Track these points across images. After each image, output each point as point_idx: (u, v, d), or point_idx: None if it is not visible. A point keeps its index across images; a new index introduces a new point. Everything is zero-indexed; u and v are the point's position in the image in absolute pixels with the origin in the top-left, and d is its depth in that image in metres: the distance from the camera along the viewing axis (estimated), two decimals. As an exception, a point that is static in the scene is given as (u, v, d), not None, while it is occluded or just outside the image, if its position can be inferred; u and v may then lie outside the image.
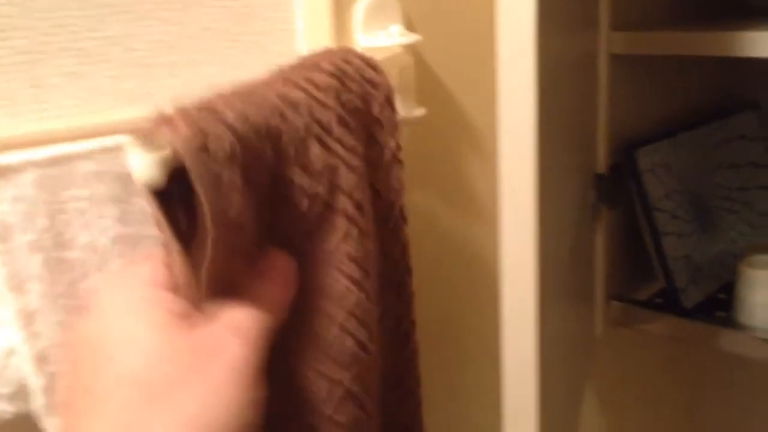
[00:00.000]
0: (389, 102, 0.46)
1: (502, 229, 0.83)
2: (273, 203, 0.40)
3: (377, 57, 0.50)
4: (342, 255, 0.42)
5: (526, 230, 0.81)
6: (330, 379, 0.42)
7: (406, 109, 0.64)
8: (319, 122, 0.41)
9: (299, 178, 0.40)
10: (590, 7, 0.88)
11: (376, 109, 0.45)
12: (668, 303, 0.95)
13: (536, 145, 0.78)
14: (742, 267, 0.91)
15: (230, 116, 0.37)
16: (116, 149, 0.46)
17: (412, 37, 0.66)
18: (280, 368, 0.41)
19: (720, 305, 0.96)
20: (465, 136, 0.79)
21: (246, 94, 0.39)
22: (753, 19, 0.93)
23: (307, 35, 0.61)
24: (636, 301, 0.99)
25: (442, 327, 0.82)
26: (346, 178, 0.41)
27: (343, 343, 0.42)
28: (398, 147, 0.46)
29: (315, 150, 0.40)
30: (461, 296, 0.83)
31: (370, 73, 0.46)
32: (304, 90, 0.41)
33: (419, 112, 0.68)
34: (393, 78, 0.58)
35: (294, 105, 0.40)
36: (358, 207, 0.42)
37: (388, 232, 0.46)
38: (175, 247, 0.36)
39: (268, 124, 0.39)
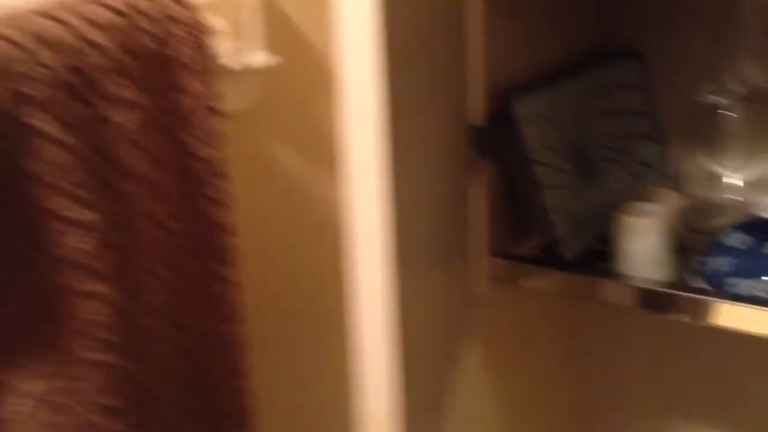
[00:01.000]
0: (200, 44, 0.40)
1: (351, 183, 0.77)
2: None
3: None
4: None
5: (377, 184, 0.75)
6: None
7: (249, 56, 0.58)
8: (79, 70, 0.34)
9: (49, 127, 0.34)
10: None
11: (180, 52, 0.39)
12: (550, 257, 0.92)
13: (387, 92, 0.72)
14: (620, 216, 0.89)
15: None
16: None
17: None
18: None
19: (602, 256, 0.94)
20: (322, 84, 0.73)
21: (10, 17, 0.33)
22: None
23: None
24: (517, 256, 0.96)
25: (286, 293, 0.76)
26: (113, 134, 0.35)
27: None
28: (211, 95, 0.40)
29: (73, 103, 0.34)
30: (312, 259, 0.77)
31: (175, 10, 0.39)
32: (73, 28, 0.35)
33: (267, 59, 0.61)
34: (229, 18, 0.51)
35: (53, 44, 0.34)
36: (126, 171, 0.36)
37: (195, 185, 0.40)
38: None
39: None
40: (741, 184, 1.02)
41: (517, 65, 0.94)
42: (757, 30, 1.01)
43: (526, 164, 0.89)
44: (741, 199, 1.01)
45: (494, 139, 0.91)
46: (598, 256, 0.94)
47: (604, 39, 1.09)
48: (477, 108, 0.89)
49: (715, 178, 1.04)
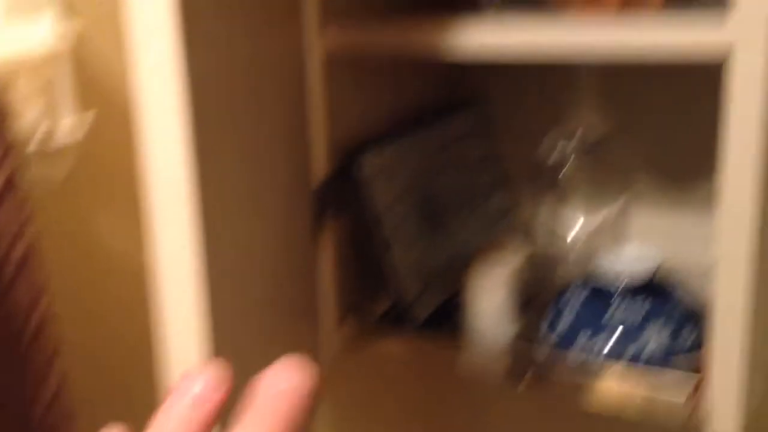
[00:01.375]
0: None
1: (160, 252, 0.70)
2: None
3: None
4: None
5: (188, 254, 0.69)
6: None
7: (57, 127, 0.52)
8: None
9: None
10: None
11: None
12: (400, 317, 0.90)
13: (191, 154, 0.66)
14: (469, 271, 0.88)
15: None
16: None
17: (68, 27, 0.54)
18: None
19: (454, 312, 0.92)
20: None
21: None
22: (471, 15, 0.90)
23: None
24: (368, 317, 0.93)
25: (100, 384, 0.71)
26: None
27: None
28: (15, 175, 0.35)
29: None
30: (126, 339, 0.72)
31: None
32: None
33: (76, 128, 0.56)
34: (37, 88, 0.46)
35: None
36: None
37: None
38: None
39: None
40: (585, 234, 1.03)
41: (361, 121, 0.91)
42: (595, 82, 1.03)
43: (372, 221, 0.87)
44: (587, 250, 1.02)
45: (339, 197, 0.88)
46: (452, 311, 0.92)
47: (451, 90, 1.09)
48: (320, 166, 0.86)
49: (561, 229, 1.05)
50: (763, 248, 0.71)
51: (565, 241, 1.04)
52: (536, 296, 0.96)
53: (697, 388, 0.74)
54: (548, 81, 1.06)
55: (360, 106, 0.91)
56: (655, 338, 0.79)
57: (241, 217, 0.76)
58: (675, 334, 0.80)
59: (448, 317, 0.92)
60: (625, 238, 1.05)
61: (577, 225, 1.03)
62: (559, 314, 0.85)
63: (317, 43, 0.83)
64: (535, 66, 1.05)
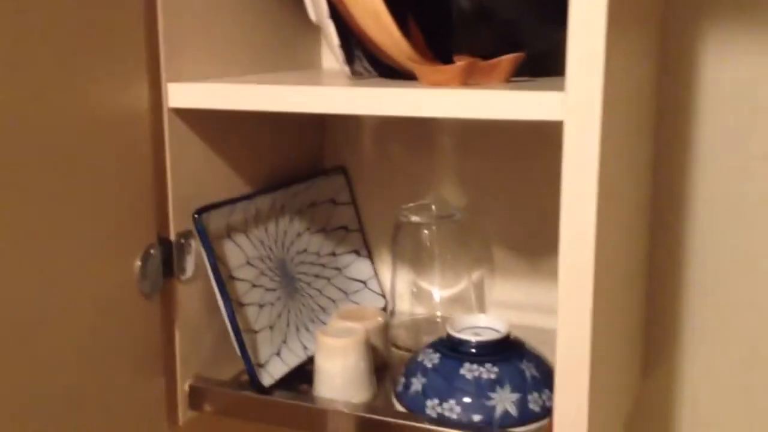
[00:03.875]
0: None
1: None
2: None
3: None
4: None
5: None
6: None
7: None
8: None
9: None
10: (136, 56, 0.78)
11: None
12: (251, 381, 0.86)
13: None
14: (318, 336, 0.86)
15: None
16: None
17: None
18: None
19: (306, 377, 0.90)
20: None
21: None
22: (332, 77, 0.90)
23: None
24: (215, 382, 0.89)
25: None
26: None
27: None
28: None
29: None
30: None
31: None
32: None
33: None
34: None
35: None
36: None
37: None
38: None
39: None
40: (442, 299, 1.03)
41: (213, 177, 0.89)
42: (452, 152, 1.05)
43: (220, 283, 0.84)
44: (444, 315, 1.02)
45: (185, 258, 0.85)
46: (303, 377, 0.90)
47: (313, 156, 1.09)
48: (165, 224, 0.83)
49: (421, 294, 1.05)
50: (603, 315, 0.72)
51: (427, 307, 1.04)
52: (389, 363, 0.95)
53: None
54: (410, 153, 1.07)
55: (213, 162, 0.89)
56: (503, 404, 0.79)
57: (79, 273, 0.72)
58: (523, 400, 0.80)
59: (299, 383, 0.90)
60: (480, 307, 1.06)
61: (434, 292, 1.03)
62: (410, 377, 0.84)
63: (163, 100, 0.81)
64: (398, 137, 1.08)
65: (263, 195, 0.93)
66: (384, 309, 1.06)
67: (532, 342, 0.87)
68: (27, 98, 0.67)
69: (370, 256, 1.09)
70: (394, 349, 0.99)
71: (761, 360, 0.96)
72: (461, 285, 1.03)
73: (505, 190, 1.03)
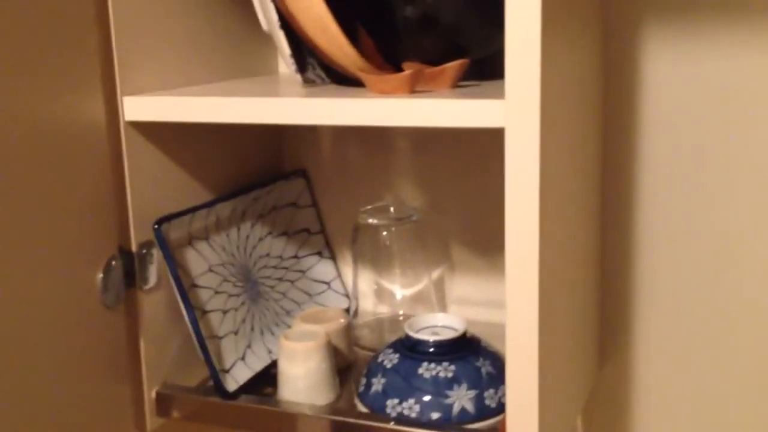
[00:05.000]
0: None
1: None
2: None
3: None
4: None
5: None
6: None
7: None
8: None
9: None
10: (90, 70, 0.79)
11: None
12: (215, 387, 0.88)
13: None
14: (281, 340, 0.88)
15: None
16: None
17: None
18: None
19: (272, 380, 0.91)
20: None
21: None
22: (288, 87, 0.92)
23: None
24: (180, 387, 0.91)
25: None
26: None
27: None
28: None
29: None
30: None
31: None
32: None
33: None
34: None
35: None
36: None
37: None
38: None
39: None
40: (403, 298, 1.05)
41: (172, 186, 0.91)
42: (409, 153, 1.07)
43: (181, 290, 0.86)
44: (406, 314, 1.04)
45: (147, 268, 0.86)
46: (269, 381, 0.92)
47: (273, 160, 1.10)
48: (126, 235, 0.85)
49: (383, 293, 1.07)
50: (551, 310, 0.75)
51: (390, 307, 1.06)
52: (353, 363, 0.97)
53: (497, 449, 0.76)
54: (368, 155, 1.09)
55: (171, 172, 0.90)
56: (460, 401, 0.81)
57: (40, 286, 0.74)
58: (480, 396, 0.82)
59: (265, 386, 0.91)
60: (441, 305, 1.09)
61: (396, 292, 1.05)
62: (371, 378, 0.86)
63: (119, 113, 0.82)
64: (356, 140, 1.09)
65: (223, 202, 0.94)
66: (348, 309, 1.08)
67: (492, 338, 0.90)
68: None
69: (333, 258, 1.11)
70: (358, 349, 1.01)
71: (714, 347, 0.99)
72: (422, 284, 1.05)
73: (462, 190, 1.05)
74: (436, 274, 1.08)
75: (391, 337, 0.93)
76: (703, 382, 1.01)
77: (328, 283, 1.10)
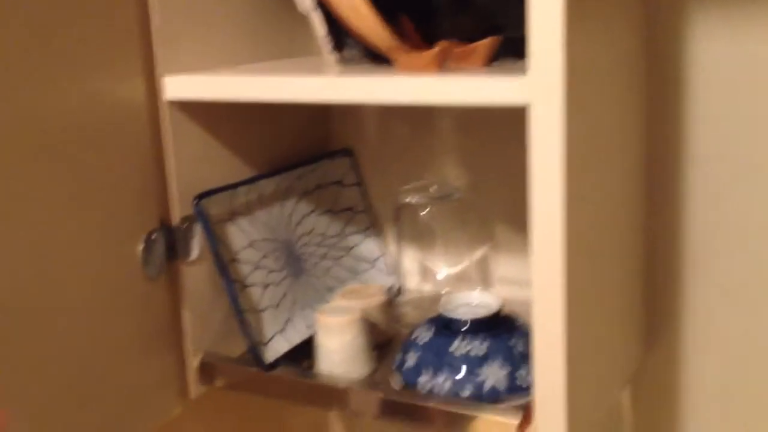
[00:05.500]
0: None
1: None
2: None
3: None
4: None
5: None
6: None
7: None
8: None
9: None
10: (130, 51, 0.82)
11: None
12: (253, 358, 0.91)
13: None
14: (317, 315, 0.90)
15: None
16: None
17: None
18: None
19: (310, 354, 0.93)
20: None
21: None
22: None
23: None
24: (225, 358, 0.94)
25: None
26: None
27: None
28: None
29: None
30: None
31: None
32: None
33: None
34: None
35: None
36: None
37: None
38: None
39: None
40: (447, 277, 1.05)
41: (214, 168, 0.93)
42: (453, 132, 1.07)
43: (221, 264, 0.88)
44: (449, 293, 1.05)
45: (189, 241, 0.89)
46: (308, 354, 0.94)
47: (318, 139, 1.12)
48: (168, 210, 0.87)
49: (427, 272, 1.08)
50: (580, 290, 0.74)
51: (429, 285, 1.07)
52: (393, 339, 0.99)
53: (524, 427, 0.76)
54: (413, 134, 1.10)
55: (212, 152, 0.93)
56: (492, 379, 0.82)
57: (83, 260, 0.78)
58: (511, 375, 0.82)
59: (304, 359, 0.93)
60: (485, 284, 1.09)
61: (439, 271, 1.06)
62: (405, 353, 0.87)
63: (159, 93, 0.85)
64: (402, 119, 1.10)
65: (266, 179, 0.96)
66: (391, 288, 1.09)
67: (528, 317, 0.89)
68: (24, 94, 0.72)
69: (377, 236, 1.12)
70: (399, 327, 1.02)
71: (766, 329, 0.97)
72: (465, 263, 1.05)
73: (506, 169, 1.05)
74: (479, 253, 1.08)
75: (429, 315, 0.93)
76: (753, 367, 0.98)
77: (372, 262, 1.11)
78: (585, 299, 0.76)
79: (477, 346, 0.84)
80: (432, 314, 0.96)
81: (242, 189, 0.93)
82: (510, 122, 1.03)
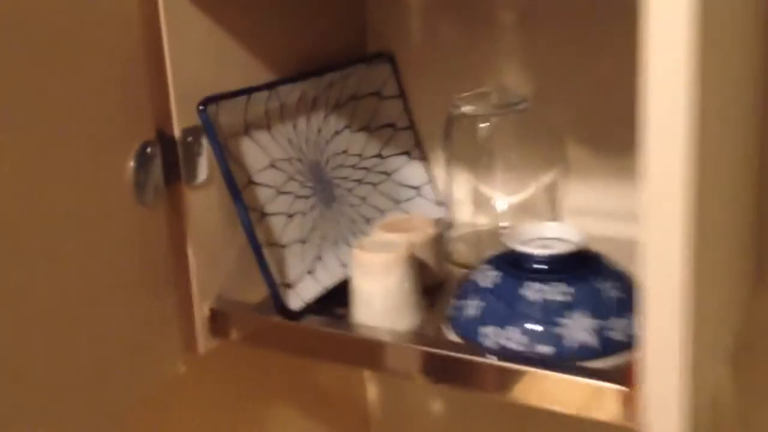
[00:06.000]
0: None
1: None
2: None
3: None
4: None
5: None
6: None
7: None
8: None
9: None
10: None
11: None
12: (275, 304, 0.73)
13: None
14: (354, 251, 0.72)
15: None
16: None
17: None
18: None
19: (345, 299, 0.76)
20: None
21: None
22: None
23: None
24: (242, 305, 0.77)
25: None
26: None
27: None
28: None
29: None
30: None
31: None
32: None
33: None
34: None
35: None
36: None
37: None
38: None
39: None
40: (507, 207, 0.87)
41: (226, 67, 0.75)
42: (516, 30, 0.88)
43: (234, 188, 0.71)
44: (507, 229, 0.87)
45: (196, 160, 0.72)
46: (341, 300, 0.76)
47: (353, 38, 0.93)
48: (167, 118, 0.70)
49: (483, 201, 0.89)
50: (701, 220, 0.56)
51: (491, 217, 0.89)
52: (443, 282, 0.81)
53: (630, 396, 0.59)
54: (467, 34, 0.91)
55: (223, 47, 0.74)
56: (577, 330, 0.64)
57: (61, 174, 0.59)
58: (602, 327, 0.65)
59: (336, 306, 0.76)
60: (553, 216, 0.90)
61: (498, 200, 0.88)
62: (463, 299, 0.69)
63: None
64: (453, 15, 0.91)
65: (289, 84, 0.78)
66: (440, 219, 0.92)
67: (615, 257, 0.71)
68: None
69: (423, 159, 0.94)
70: (451, 266, 0.84)
71: None
72: (529, 190, 0.87)
73: (582, 75, 0.85)
74: (546, 178, 0.90)
75: (492, 253, 0.76)
76: None
77: (417, 188, 0.93)
78: (705, 237, 0.57)
79: (557, 291, 0.66)
80: (491, 253, 0.78)
81: (260, 95, 0.75)
82: (588, 18, 0.84)
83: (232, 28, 0.75)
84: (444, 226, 0.87)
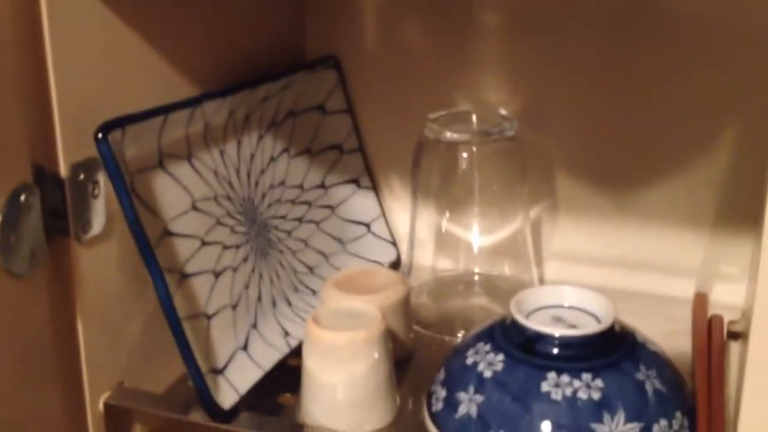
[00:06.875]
0: None
1: None
2: None
3: None
4: None
5: None
6: None
7: None
8: None
9: None
10: None
11: None
12: (201, 400, 0.54)
13: None
14: (309, 326, 0.54)
15: None
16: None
17: None
18: None
19: (291, 380, 0.58)
20: None
21: None
22: None
23: None
24: (147, 395, 0.57)
25: None
26: None
27: None
28: None
29: None
30: None
31: None
32: None
33: None
34: None
35: None
36: None
37: None
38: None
39: None
40: (480, 250, 0.72)
41: (130, 81, 0.55)
42: (499, 36, 0.71)
43: (144, 241, 0.51)
44: (483, 272, 0.71)
45: (88, 204, 0.52)
46: (286, 380, 0.58)
47: (290, 41, 0.74)
48: (50, 151, 0.49)
49: (450, 241, 0.73)
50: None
51: (450, 261, 0.72)
52: (411, 351, 0.64)
53: None
54: (436, 36, 0.74)
55: (127, 55, 0.54)
56: (615, 439, 0.48)
57: None
58: (646, 430, 0.49)
59: (280, 391, 0.58)
60: (536, 260, 0.75)
61: (471, 240, 0.72)
62: (453, 394, 0.53)
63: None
64: (418, 13, 0.74)
65: (214, 99, 0.59)
66: (396, 264, 0.75)
67: (645, 329, 0.56)
68: None
69: (375, 188, 0.76)
70: (417, 328, 0.67)
71: None
72: (511, 228, 0.71)
73: (578, 93, 0.70)
74: (532, 215, 0.74)
75: (463, 308, 0.59)
76: None
77: (367, 225, 0.76)
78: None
79: (588, 386, 0.50)
80: (461, 302, 0.62)
81: (179, 115, 0.55)
82: (588, 18, 0.68)
83: (141, 29, 0.55)
84: (412, 282, 0.70)
